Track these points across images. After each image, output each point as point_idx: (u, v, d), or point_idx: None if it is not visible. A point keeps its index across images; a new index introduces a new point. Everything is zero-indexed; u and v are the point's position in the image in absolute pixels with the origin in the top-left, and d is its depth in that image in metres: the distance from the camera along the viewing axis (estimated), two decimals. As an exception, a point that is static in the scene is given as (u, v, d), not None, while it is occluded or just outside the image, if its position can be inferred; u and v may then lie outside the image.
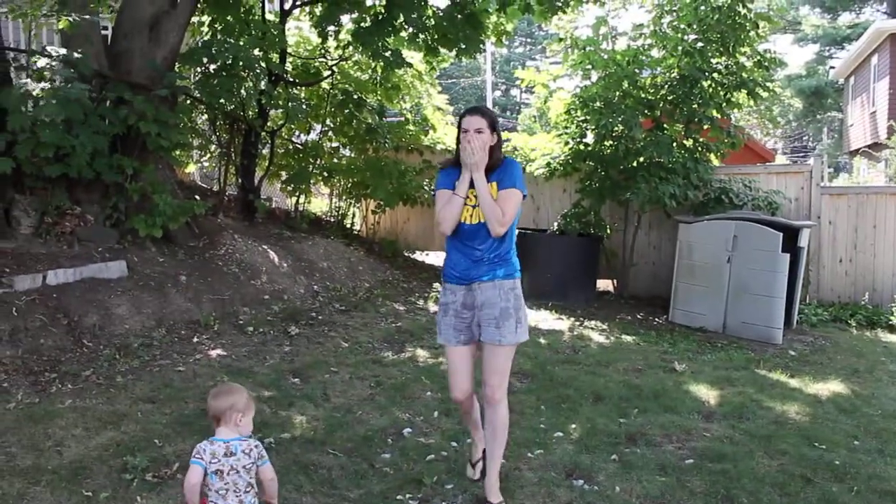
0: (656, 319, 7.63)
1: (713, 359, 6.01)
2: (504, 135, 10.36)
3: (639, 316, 7.81)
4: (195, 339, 5.37)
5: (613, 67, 8.21)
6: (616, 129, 8.10)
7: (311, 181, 9.51)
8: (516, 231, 3.23)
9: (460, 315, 3.14)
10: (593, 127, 8.29)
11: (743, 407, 4.68)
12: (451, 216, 3.06)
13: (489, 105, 32.53)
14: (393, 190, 9.07)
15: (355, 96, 9.45)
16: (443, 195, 3.09)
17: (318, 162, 9.55)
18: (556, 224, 8.94)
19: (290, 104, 8.28)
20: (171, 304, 5.76)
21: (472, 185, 3.07)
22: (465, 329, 3.15)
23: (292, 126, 9.50)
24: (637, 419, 4.38)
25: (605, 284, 9.21)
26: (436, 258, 10.12)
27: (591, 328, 7.03)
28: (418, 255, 10.51)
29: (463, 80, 42.37)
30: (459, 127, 3.08)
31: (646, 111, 8.20)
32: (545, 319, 7.30)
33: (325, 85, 9.59)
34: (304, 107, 8.78)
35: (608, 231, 8.91)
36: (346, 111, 9.45)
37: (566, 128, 8.91)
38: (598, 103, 8.30)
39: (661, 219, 8.84)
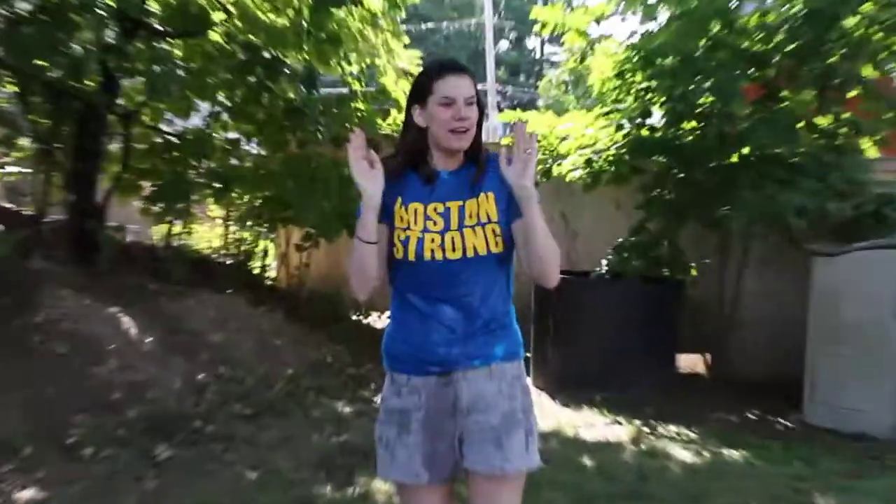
0: (780, 419, 7.58)
1: (882, 488, 5.93)
2: (513, 114, 10.41)
3: (750, 414, 7.76)
4: (-7, 473, 5.25)
5: (695, 0, 8.25)
6: (702, 101, 8.10)
7: (194, 197, 9.44)
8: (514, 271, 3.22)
9: (431, 429, 3.10)
10: (663, 99, 8.28)
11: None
12: (360, 273, 3.06)
13: (490, 65, 32.85)
14: (331, 209, 8.99)
15: (266, 54, 9.43)
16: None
17: (204, 165, 9.48)
18: (604, 262, 8.89)
19: (156, 68, 8.24)
20: (-48, 413, 5.63)
21: (431, 198, 3.09)
22: (442, 455, 3.10)
23: (160, 105, 9.44)
24: None
25: (690, 361, 9.13)
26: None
27: (671, 437, 6.98)
28: (375, 319, 10.37)
29: (446, 26, 42.84)
30: (428, 92, 3.06)
31: (751, 70, 8.21)
32: (592, 424, 7.24)
33: (215, 36, 9.54)
34: (179, 72, 8.73)
35: (693, 272, 8.86)
36: (252, 79, 9.40)
37: (618, 101, 8.91)
38: (670, 59, 8.31)
39: (783, 249, 8.80)
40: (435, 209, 3.08)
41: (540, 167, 9.32)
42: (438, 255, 3.05)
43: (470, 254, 3.04)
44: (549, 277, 3.06)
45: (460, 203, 3.08)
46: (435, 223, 3.07)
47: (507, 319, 3.14)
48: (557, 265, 3.06)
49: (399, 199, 3.09)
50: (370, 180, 3.01)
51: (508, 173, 3.00)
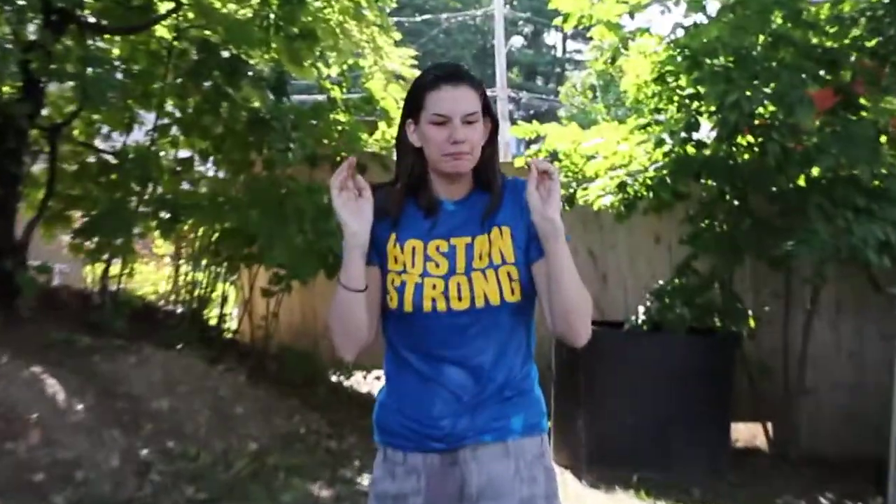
0: (860, 506, 7.52)
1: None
2: (528, 129, 10.39)
3: (824, 500, 7.72)
4: None
5: (752, -13, 8.27)
6: (761, 110, 8.09)
7: (136, 230, 9.43)
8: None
9: None
10: (713, 108, 8.28)
11: None
12: (345, 327, 3.05)
13: (500, 66, 32.99)
14: (306, 245, 9.00)
15: (225, 53, 9.46)
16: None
17: (149, 190, 9.48)
18: (641, 310, 8.89)
19: (89, 71, 8.27)
20: None
21: (433, 234, 3.09)
22: None
23: (95, 116, 9.48)
24: None
25: (748, 432, 9.09)
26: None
27: (725, 527, 6.90)
28: (359, 380, 10.31)
29: (447, 18, 43.04)
30: (419, 107, 3.07)
31: (822, 73, 8.21)
32: (627, 511, 7.20)
33: (162, 32, 9.57)
34: (118, 76, 8.73)
35: (751, 322, 8.84)
36: (208, 84, 9.44)
37: (657, 111, 8.92)
38: (721, 59, 8.32)
39: (862, 294, 8.81)
40: (437, 248, 3.07)
41: (562, 192, 9.28)
42: (441, 305, 3.03)
43: (479, 303, 3.02)
44: (576, 334, 3.04)
45: (468, 240, 3.07)
46: (437, 265, 3.06)
47: (526, 384, 3.12)
48: (588, 319, 3.04)
49: (393, 236, 3.08)
50: (355, 213, 2.99)
51: (531, 201, 2.97)
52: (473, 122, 3.02)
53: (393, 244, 3.07)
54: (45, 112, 9.08)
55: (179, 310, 10.28)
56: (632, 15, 9.33)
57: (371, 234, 3.03)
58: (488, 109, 3.09)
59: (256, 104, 9.61)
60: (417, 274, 3.05)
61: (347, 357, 3.10)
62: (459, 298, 3.02)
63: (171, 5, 9.37)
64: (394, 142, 9.63)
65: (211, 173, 10.27)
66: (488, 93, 3.19)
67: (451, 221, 3.09)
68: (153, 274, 11.25)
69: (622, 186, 8.94)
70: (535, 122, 10.07)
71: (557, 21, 9.64)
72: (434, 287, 3.03)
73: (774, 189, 8.26)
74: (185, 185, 9.93)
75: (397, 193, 3.11)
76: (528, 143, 11.57)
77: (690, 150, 8.64)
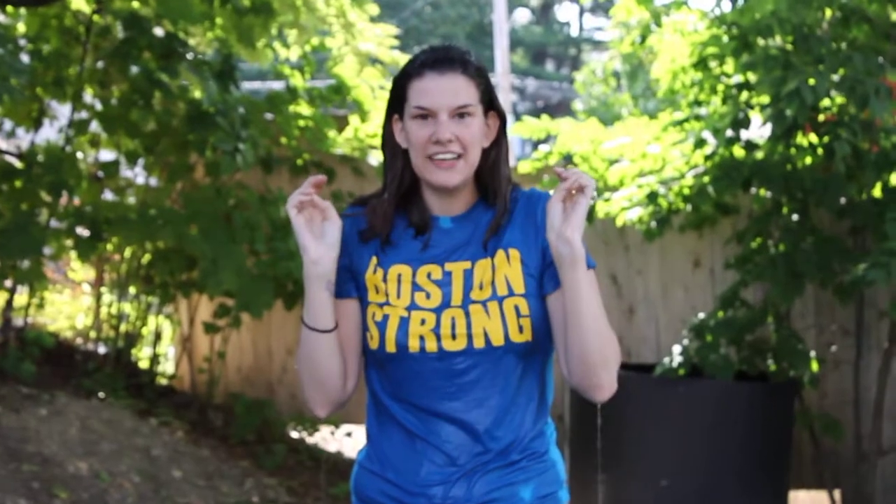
0: None
1: None
2: (535, 126, 10.39)
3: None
4: None
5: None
6: (827, 102, 8.10)
7: (47, 251, 9.43)
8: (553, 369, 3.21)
9: None
10: (767, 100, 8.29)
11: None
12: (314, 375, 3.06)
13: (501, 46, 33.10)
14: (259, 270, 9.01)
15: (159, 30, 9.46)
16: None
17: (63, 201, 9.46)
18: (676, 350, 8.89)
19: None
20: None
21: (424, 257, 3.08)
22: None
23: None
24: None
25: (811, 501, 9.05)
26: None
27: None
28: (326, 437, 10.30)
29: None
30: (402, 99, 3.09)
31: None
32: None
33: (79, 3, 9.58)
34: (24, 58, 8.72)
35: (813, 366, 8.82)
36: (136, 69, 9.45)
37: (697, 103, 8.93)
38: (777, 38, 8.33)
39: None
40: (429, 275, 3.05)
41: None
42: (431, 345, 3.01)
43: (478, 343, 2.99)
44: (597, 387, 3.06)
45: (467, 265, 3.05)
46: (428, 296, 3.03)
47: (538, 444, 3.10)
48: (614, 369, 3.03)
49: (374, 260, 3.06)
50: (316, 237, 2.98)
51: (550, 214, 2.93)
52: (465, 114, 3.01)
53: (373, 270, 3.06)
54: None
55: (102, 349, 10.24)
56: (665, -13, 9.37)
57: (350, 259, 3.06)
58: (492, 102, 3.07)
59: (197, 94, 9.61)
60: (403, 306, 3.02)
61: (319, 413, 3.10)
62: (454, 337, 2.99)
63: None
64: (369, 140, 9.68)
65: (140, 180, 10.26)
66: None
67: (447, 242, 3.07)
68: (69, 305, 11.22)
69: (653, 197, 8.92)
70: (544, 116, 10.06)
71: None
72: (423, 322, 3.00)
73: (843, 200, 8.26)
74: (109, 195, 9.92)
75: (385, 206, 3.09)
76: (536, 144, 11.49)
77: (738, 152, 8.65)
